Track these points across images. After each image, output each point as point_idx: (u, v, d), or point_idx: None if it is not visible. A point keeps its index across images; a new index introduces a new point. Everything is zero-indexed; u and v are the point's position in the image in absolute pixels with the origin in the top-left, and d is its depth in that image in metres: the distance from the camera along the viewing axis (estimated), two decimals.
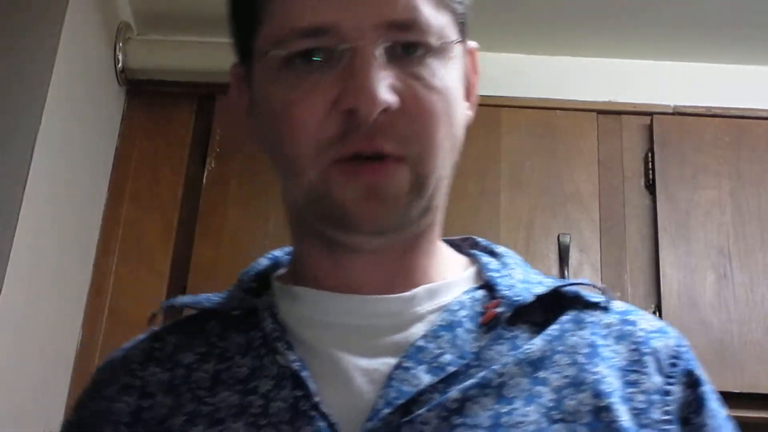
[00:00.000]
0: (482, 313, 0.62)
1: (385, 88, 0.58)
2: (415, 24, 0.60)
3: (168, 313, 0.73)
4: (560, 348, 0.61)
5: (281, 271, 0.70)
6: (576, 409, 0.57)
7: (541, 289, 0.64)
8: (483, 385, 0.58)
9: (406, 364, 0.58)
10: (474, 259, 0.69)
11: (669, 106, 1.63)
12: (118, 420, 0.62)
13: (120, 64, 1.59)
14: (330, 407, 0.57)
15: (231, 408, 0.59)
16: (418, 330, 0.61)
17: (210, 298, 0.68)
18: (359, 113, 0.58)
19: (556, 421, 0.57)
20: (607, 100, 1.65)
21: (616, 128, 1.62)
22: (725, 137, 1.61)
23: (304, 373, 0.59)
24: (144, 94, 1.65)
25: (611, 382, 0.59)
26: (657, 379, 0.60)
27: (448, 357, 0.59)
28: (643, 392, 0.59)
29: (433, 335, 0.60)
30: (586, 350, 0.61)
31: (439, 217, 0.66)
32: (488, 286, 0.65)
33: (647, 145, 1.60)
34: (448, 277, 0.66)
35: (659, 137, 1.60)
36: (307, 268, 0.66)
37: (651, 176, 1.57)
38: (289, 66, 0.60)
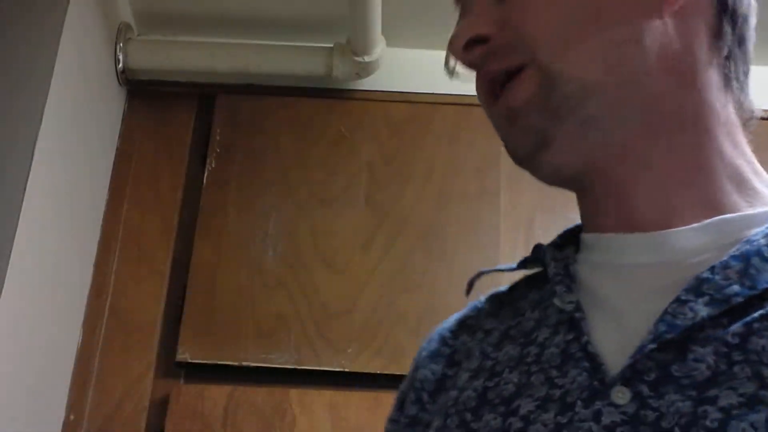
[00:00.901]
0: None
1: (469, 28, 0.61)
2: None
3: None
4: None
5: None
6: None
7: None
8: None
9: (684, 297, 0.52)
10: None
11: None
12: (422, 388, 0.64)
13: (120, 65, 1.59)
14: (600, 348, 0.54)
15: (510, 360, 0.59)
16: (708, 263, 0.54)
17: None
18: (457, 59, 0.62)
19: None
20: None
21: None
22: None
23: (577, 315, 0.56)
24: (144, 94, 1.65)
25: None
26: None
27: (735, 288, 0.52)
28: None
29: (721, 266, 0.53)
30: None
31: (704, 127, 0.60)
32: None
33: None
34: (758, 210, 0.58)
35: None
36: (585, 214, 0.65)
37: None
38: None
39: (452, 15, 0.74)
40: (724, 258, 0.54)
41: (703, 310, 0.51)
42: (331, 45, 1.58)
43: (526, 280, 0.68)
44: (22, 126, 1.28)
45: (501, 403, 0.56)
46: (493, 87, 0.61)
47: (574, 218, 0.72)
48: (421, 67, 1.62)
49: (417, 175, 1.57)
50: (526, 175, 0.69)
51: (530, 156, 0.60)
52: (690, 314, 0.51)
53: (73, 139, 1.40)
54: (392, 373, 1.40)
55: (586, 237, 0.63)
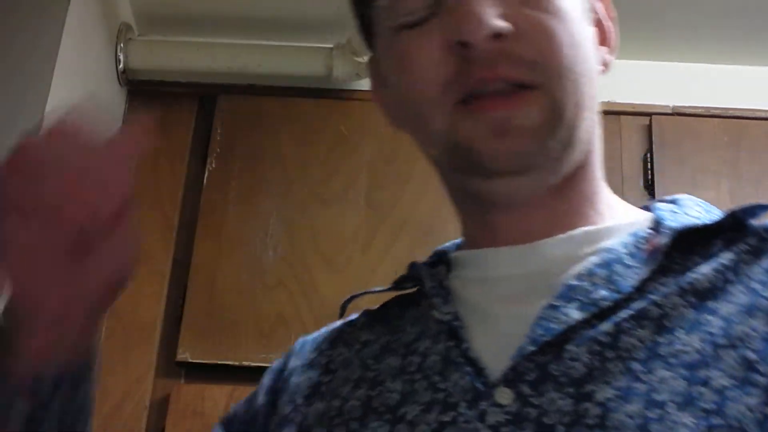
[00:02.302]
0: (645, 250, 0.58)
1: (492, 13, 0.56)
2: None
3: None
4: (734, 277, 0.56)
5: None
6: (745, 333, 0.52)
7: (713, 217, 0.60)
8: (639, 317, 0.54)
9: (555, 303, 0.56)
10: (650, 211, 0.64)
11: (668, 106, 1.64)
12: (296, 392, 0.65)
13: (121, 65, 1.59)
14: (480, 353, 0.56)
15: (393, 370, 0.60)
16: (574, 271, 0.58)
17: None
18: (469, 41, 0.56)
19: (719, 347, 0.52)
20: (606, 100, 1.64)
21: (615, 128, 1.62)
22: (724, 137, 1.61)
23: (455, 323, 0.59)
24: (145, 94, 1.65)
25: None
26: None
27: (602, 293, 0.56)
28: None
29: (587, 273, 0.57)
30: (764, 277, 0.55)
31: (593, 158, 0.64)
32: (657, 226, 0.60)
33: (646, 145, 1.61)
34: (615, 223, 0.62)
35: (658, 137, 1.60)
36: (466, 232, 0.67)
37: (650, 176, 1.58)
38: (403, 27, 0.61)
39: None
40: (588, 266, 0.58)
41: (575, 314, 0.55)
42: (331, 45, 1.59)
43: (398, 299, 0.70)
44: (23, 126, 1.28)
45: (387, 411, 0.58)
46: (484, 88, 0.58)
47: None
48: None
49: (417, 175, 1.57)
50: None
51: (509, 175, 0.59)
52: (563, 318, 0.55)
53: None
54: None
55: (459, 255, 0.66)
